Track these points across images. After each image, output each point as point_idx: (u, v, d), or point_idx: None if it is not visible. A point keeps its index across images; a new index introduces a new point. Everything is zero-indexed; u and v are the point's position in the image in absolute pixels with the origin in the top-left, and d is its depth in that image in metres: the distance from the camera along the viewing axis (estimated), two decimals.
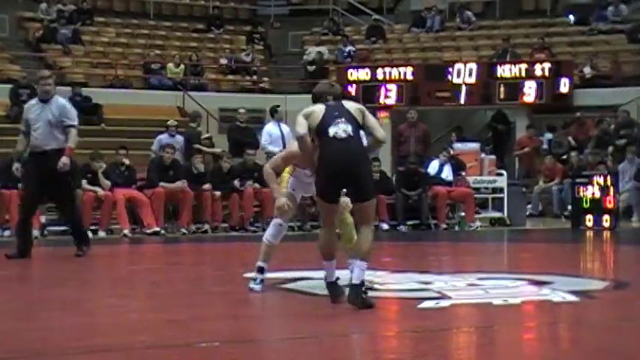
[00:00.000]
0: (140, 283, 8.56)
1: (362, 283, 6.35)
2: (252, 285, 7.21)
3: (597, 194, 14.69)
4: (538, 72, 20.21)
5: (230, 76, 22.29)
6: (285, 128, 16.30)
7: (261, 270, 7.26)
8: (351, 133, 6.49)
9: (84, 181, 13.72)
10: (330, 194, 6.57)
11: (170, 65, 21.19)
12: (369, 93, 20.82)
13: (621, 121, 18.39)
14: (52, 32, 21.28)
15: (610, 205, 14.66)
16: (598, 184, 14.76)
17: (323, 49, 22.73)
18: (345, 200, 6.96)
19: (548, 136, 19.67)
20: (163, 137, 15.65)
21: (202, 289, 7.97)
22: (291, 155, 7.17)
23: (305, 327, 5.82)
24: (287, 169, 7.28)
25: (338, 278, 6.71)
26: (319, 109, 6.69)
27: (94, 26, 23.00)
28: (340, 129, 6.48)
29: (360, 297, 6.28)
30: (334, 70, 21.96)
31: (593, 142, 17.94)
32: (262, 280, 7.24)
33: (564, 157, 18.36)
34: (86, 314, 6.47)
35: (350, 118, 6.56)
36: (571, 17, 23.66)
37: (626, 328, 5.70)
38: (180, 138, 15.85)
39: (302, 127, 6.59)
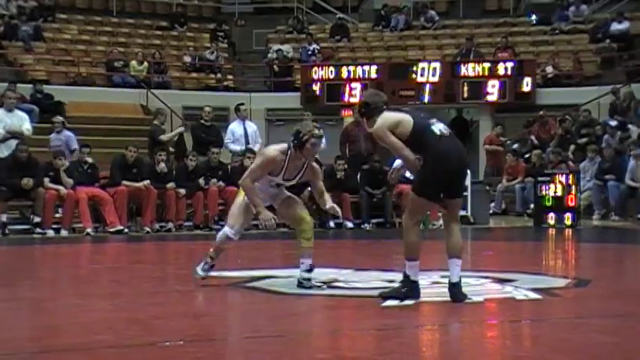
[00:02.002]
0: (103, 282, 8.49)
1: (460, 279, 6.53)
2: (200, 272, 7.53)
3: (559, 192, 14.83)
4: (501, 71, 20.37)
5: (194, 74, 22.19)
6: (251, 126, 16.30)
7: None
8: (450, 131, 6.61)
9: (46, 179, 13.59)
10: (439, 191, 6.56)
11: (133, 63, 21.05)
12: (333, 91, 20.86)
13: (582, 120, 18.56)
14: (12, 29, 21.04)
15: (572, 204, 14.81)
16: (560, 182, 14.90)
17: (287, 47, 22.71)
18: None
19: None
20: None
21: (166, 287, 7.92)
22: (268, 162, 7.14)
23: (269, 325, 5.81)
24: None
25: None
26: (402, 115, 6.66)
27: (55, 23, 22.79)
28: (441, 127, 6.59)
29: (462, 293, 6.49)
30: (298, 69, 21.96)
31: (556, 141, 18.09)
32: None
33: (527, 155, 18.50)
34: (46, 314, 6.40)
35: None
36: (533, 17, 23.83)
37: (588, 325, 5.75)
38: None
39: (399, 143, 6.56)
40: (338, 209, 7.54)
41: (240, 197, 7.32)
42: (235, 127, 16.21)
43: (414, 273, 6.57)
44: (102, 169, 14.43)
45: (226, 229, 7.39)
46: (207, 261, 7.55)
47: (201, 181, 14.55)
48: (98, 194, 13.89)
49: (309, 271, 7.27)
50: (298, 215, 7.32)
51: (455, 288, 6.50)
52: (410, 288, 6.55)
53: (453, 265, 6.56)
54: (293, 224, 7.50)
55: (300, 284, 7.24)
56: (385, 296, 6.60)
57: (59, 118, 15.99)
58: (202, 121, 16.27)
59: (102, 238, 13.36)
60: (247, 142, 15.86)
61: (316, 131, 7.13)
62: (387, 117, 6.65)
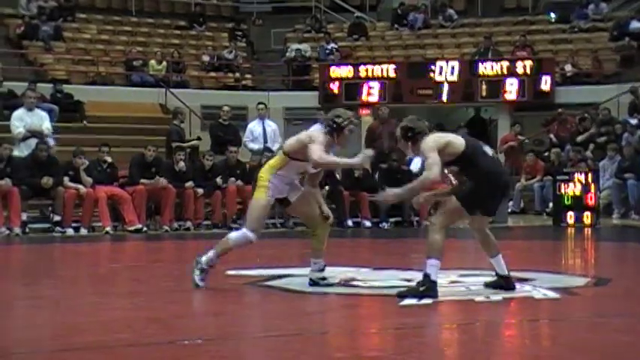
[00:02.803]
0: (122, 280, 8.54)
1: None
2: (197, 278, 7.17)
3: (578, 191, 14.76)
4: (519, 69, 20.29)
5: (212, 73, 22.23)
6: (270, 126, 16.33)
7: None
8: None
9: (66, 178, 13.66)
10: (482, 207, 6.90)
11: (152, 62, 21.11)
12: (351, 90, 20.85)
13: (602, 118, 18.48)
14: (33, 29, 21.15)
15: (591, 202, 14.74)
16: (579, 181, 14.83)
17: (305, 46, 22.72)
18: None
19: None
20: None
21: (184, 286, 7.93)
22: (325, 142, 6.96)
23: (288, 324, 5.82)
24: (269, 171, 7.10)
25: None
26: (452, 136, 6.84)
27: (75, 23, 22.89)
28: (489, 149, 6.90)
29: (513, 282, 6.94)
30: (317, 68, 21.96)
31: (585, 137, 17.97)
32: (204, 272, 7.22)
33: (545, 154, 18.43)
34: (67, 312, 6.44)
35: None
36: (552, 15, 23.73)
37: (607, 325, 5.73)
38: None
39: (438, 166, 6.56)
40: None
41: (261, 199, 7.06)
42: (254, 126, 16.24)
43: (434, 272, 6.59)
44: (121, 169, 14.49)
45: (248, 233, 7.11)
46: (205, 269, 7.18)
47: (219, 180, 14.59)
48: (117, 193, 13.95)
49: (322, 270, 7.27)
50: (317, 219, 7.29)
51: (509, 279, 6.87)
52: (428, 287, 6.57)
53: (498, 261, 6.91)
54: (308, 223, 7.47)
55: (314, 284, 7.25)
56: (402, 295, 6.60)
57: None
58: (220, 121, 16.31)
59: (121, 236, 13.42)
60: (266, 141, 15.91)
61: (355, 119, 7.13)
62: (438, 136, 6.82)
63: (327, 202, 15.48)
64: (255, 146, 15.96)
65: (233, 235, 7.26)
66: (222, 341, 5.27)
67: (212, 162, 14.83)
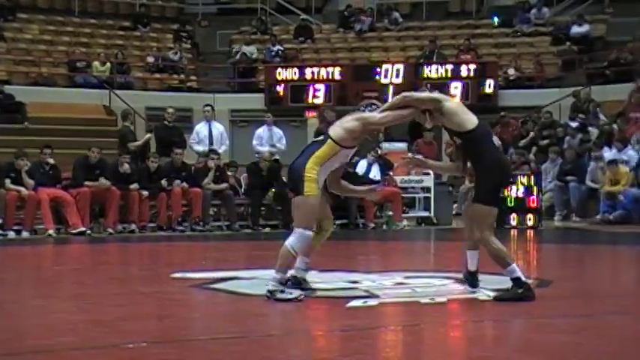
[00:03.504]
0: (66, 283, 8.43)
1: None
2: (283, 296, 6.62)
3: (521, 194, 14.95)
4: (464, 73, 20.51)
5: (157, 75, 22.08)
6: (217, 128, 16.27)
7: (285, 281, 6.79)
8: None
9: (7, 181, 13.46)
10: (500, 198, 6.93)
11: (96, 63, 20.90)
12: (297, 92, 20.87)
13: (544, 122, 18.73)
14: None
15: (533, 205, 14.94)
16: (522, 183, 15.02)
17: (251, 48, 22.68)
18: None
19: None
20: None
21: (129, 289, 7.87)
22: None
23: (233, 327, 5.80)
24: (317, 163, 6.72)
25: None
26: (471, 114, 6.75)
27: (16, 22, 22.58)
28: (497, 139, 6.87)
29: None
30: (262, 70, 21.94)
31: (526, 142, 18.21)
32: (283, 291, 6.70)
33: None
34: (9, 315, 6.34)
35: None
36: (496, 19, 24.01)
37: (551, 325, 5.80)
38: None
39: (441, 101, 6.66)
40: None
41: (313, 195, 6.67)
42: (201, 127, 16.21)
43: (520, 273, 6.64)
44: (64, 171, 14.31)
45: (305, 232, 6.71)
46: (282, 289, 6.67)
47: (164, 182, 14.49)
48: (60, 195, 13.77)
49: (307, 271, 7.16)
50: (328, 219, 7.23)
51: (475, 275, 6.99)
52: (525, 287, 6.61)
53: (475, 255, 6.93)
54: (318, 220, 7.10)
55: (296, 283, 6.96)
56: (500, 299, 6.63)
57: None
58: (165, 122, 16.19)
59: (64, 239, 13.26)
60: (211, 143, 15.86)
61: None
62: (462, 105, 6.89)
63: (273, 204, 15.59)
64: (201, 148, 15.90)
65: (291, 242, 6.69)
66: (167, 344, 5.23)
67: (157, 164, 14.72)
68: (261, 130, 16.48)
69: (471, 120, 6.65)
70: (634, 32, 22.43)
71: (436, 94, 6.87)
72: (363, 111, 6.89)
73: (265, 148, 15.97)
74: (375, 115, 6.82)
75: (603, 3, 23.61)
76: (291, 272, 6.96)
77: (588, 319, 6.07)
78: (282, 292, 6.61)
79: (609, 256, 7.90)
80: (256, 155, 16.07)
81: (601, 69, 20.93)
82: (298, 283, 7.01)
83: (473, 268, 6.96)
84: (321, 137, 6.91)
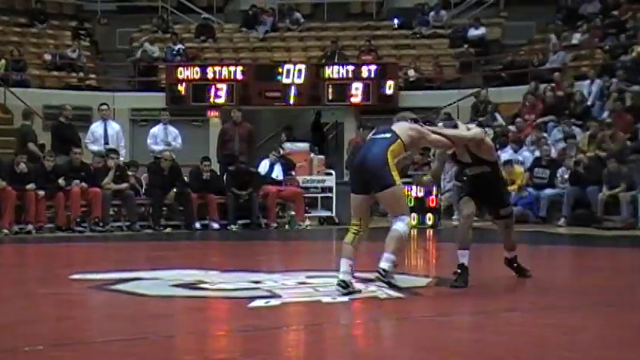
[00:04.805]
0: None
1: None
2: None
3: (421, 194, 15.18)
4: (365, 74, 20.70)
5: (55, 73, 21.63)
6: (113, 127, 16.02)
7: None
8: None
9: None
10: None
11: None
12: (199, 92, 20.74)
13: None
14: None
15: (433, 205, 15.19)
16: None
17: (152, 46, 22.42)
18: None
19: None
20: None
21: (26, 291, 7.70)
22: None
23: (134, 328, 5.73)
24: (393, 157, 6.94)
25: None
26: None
27: None
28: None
29: None
30: (163, 69, 21.73)
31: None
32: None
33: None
34: None
35: None
36: (395, 21, 24.30)
37: (450, 323, 5.91)
38: None
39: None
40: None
41: (399, 183, 6.90)
42: (96, 127, 15.96)
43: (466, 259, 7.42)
44: None
45: (407, 218, 6.96)
46: (390, 274, 6.87)
47: (62, 181, 14.22)
48: None
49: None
50: (368, 220, 7.19)
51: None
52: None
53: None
54: (364, 220, 7.10)
55: (346, 286, 6.81)
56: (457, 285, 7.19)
57: None
58: (62, 120, 15.88)
59: None
60: (107, 143, 15.61)
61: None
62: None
63: (174, 204, 15.47)
64: (96, 148, 15.64)
65: (400, 227, 6.86)
66: (65, 347, 5.13)
67: (54, 163, 14.43)
68: (156, 129, 16.24)
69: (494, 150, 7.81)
70: (528, 36, 23.04)
71: (477, 131, 7.65)
72: (408, 121, 7.33)
73: (160, 147, 15.78)
74: (430, 135, 7.31)
75: (499, 6, 24.16)
76: (340, 277, 6.85)
77: (485, 316, 6.20)
78: (392, 277, 6.88)
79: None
80: (151, 154, 15.90)
81: (497, 71, 21.42)
82: (346, 286, 6.85)
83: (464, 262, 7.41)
84: (388, 135, 7.09)
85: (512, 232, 7.93)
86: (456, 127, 7.58)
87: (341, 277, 6.84)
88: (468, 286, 7.22)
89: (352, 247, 6.98)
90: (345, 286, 6.80)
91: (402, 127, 7.21)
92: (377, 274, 6.84)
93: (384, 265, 6.83)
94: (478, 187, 7.65)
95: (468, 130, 7.64)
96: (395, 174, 6.89)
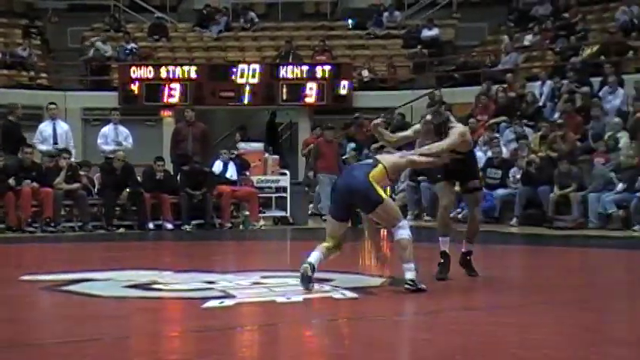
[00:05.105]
0: None
1: None
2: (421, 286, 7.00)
3: None
4: (319, 74, 20.73)
5: (5, 71, 21.33)
6: (61, 127, 15.84)
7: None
8: None
9: None
10: None
11: None
12: (152, 91, 20.62)
13: (396, 123, 19.12)
14: None
15: None
16: None
17: (104, 45, 22.23)
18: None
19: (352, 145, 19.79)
20: None
21: None
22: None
23: (87, 329, 5.68)
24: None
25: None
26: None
27: None
28: None
29: None
30: (116, 68, 21.56)
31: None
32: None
33: (345, 157, 18.85)
34: None
35: None
36: (350, 21, 24.35)
37: (404, 323, 5.95)
38: None
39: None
40: None
41: (386, 200, 7.16)
42: (45, 126, 15.76)
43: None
44: None
45: (403, 223, 7.20)
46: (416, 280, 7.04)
47: (12, 181, 14.04)
48: None
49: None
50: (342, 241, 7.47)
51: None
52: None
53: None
54: (342, 239, 7.42)
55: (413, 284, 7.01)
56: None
57: None
58: (12, 118, 15.65)
59: None
60: (56, 142, 15.42)
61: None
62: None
63: (127, 204, 15.35)
64: (44, 147, 15.45)
65: (403, 235, 7.16)
66: (16, 348, 5.08)
67: (3, 162, 14.24)
68: (107, 129, 16.03)
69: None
70: (481, 37, 23.25)
71: (462, 131, 7.73)
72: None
73: (111, 147, 15.64)
74: (417, 159, 7.65)
75: (452, 8, 24.34)
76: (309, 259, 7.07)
77: (437, 315, 6.25)
78: (420, 282, 7.00)
79: (457, 254, 8.21)
80: (101, 154, 15.75)
81: (450, 72, 21.58)
82: (313, 269, 7.07)
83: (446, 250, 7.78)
84: (370, 161, 7.46)
85: (478, 215, 8.22)
86: (448, 120, 7.72)
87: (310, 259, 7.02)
88: (449, 275, 7.73)
89: (324, 252, 7.16)
90: (313, 269, 6.96)
91: (386, 156, 7.64)
92: (406, 287, 6.96)
93: (409, 275, 7.01)
94: (452, 166, 7.77)
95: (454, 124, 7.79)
96: (379, 189, 7.11)
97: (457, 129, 7.73)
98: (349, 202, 7.19)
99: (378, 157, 7.56)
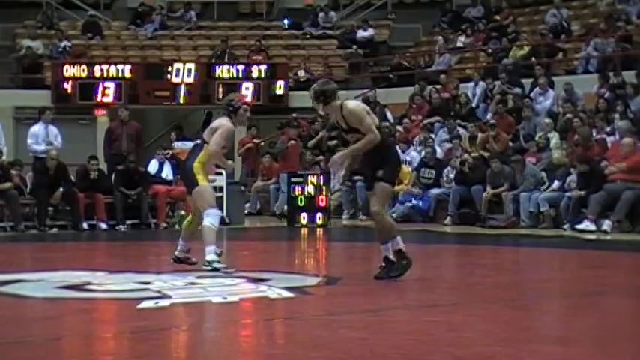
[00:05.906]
0: None
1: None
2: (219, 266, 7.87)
3: (311, 193, 15.28)
4: (255, 74, 20.73)
5: None
6: None
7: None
8: None
9: None
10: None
11: None
12: (86, 90, 20.40)
13: (332, 123, 19.16)
14: None
15: (323, 204, 15.31)
16: (312, 183, 15.35)
17: (37, 43, 21.91)
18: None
19: None
20: None
21: None
22: (229, 131, 8.23)
23: (17, 331, 5.60)
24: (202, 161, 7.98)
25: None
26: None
27: None
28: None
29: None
30: (49, 66, 21.26)
31: (313, 143, 18.60)
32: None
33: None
34: None
35: None
36: (286, 21, 24.39)
37: (339, 322, 5.98)
38: None
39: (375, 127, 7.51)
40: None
41: (204, 185, 7.96)
42: None
43: (401, 245, 7.57)
44: None
45: (214, 209, 8.01)
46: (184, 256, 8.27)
47: None
48: None
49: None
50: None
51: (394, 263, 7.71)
52: (407, 258, 7.63)
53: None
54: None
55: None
56: (394, 276, 7.57)
57: None
58: None
59: None
60: None
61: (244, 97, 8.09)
62: (360, 104, 8.11)
63: (61, 204, 15.16)
64: None
65: (209, 220, 8.03)
66: None
67: None
68: (37, 128, 15.75)
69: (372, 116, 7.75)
70: (415, 38, 23.48)
71: (369, 123, 7.53)
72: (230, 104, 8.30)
73: (42, 147, 15.42)
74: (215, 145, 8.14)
75: (386, 9, 24.52)
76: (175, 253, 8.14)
77: (373, 314, 6.30)
78: (219, 262, 7.90)
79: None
80: (32, 154, 15.49)
81: (385, 72, 21.74)
82: (180, 261, 8.26)
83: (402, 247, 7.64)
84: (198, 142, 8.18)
85: (375, 209, 7.60)
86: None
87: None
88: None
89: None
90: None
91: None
92: (204, 266, 8.04)
93: (209, 257, 8.05)
94: (367, 158, 7.72)
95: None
96: (199, 176, 8.08)
97: (362, 108, 7.78)
98: None
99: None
